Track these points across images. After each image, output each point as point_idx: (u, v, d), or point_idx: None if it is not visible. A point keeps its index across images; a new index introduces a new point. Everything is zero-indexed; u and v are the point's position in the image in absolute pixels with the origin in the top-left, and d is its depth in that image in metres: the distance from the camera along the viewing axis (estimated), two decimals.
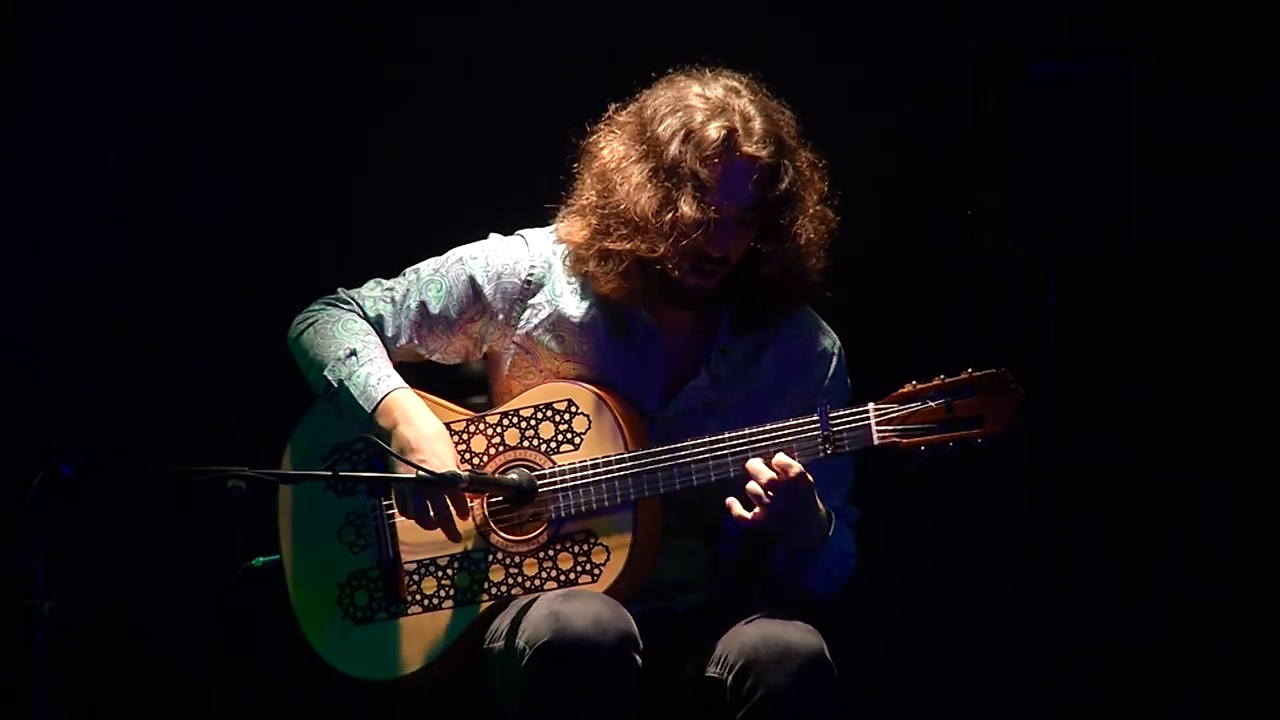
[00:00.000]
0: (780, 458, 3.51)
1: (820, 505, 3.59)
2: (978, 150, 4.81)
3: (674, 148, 3.58)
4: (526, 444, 3.63)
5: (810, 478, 3.52)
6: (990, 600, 5.17)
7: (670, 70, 3.71)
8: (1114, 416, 5.15)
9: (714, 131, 3.57)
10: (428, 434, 3.61)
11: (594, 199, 3.65)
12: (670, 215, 3.57)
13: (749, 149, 3.58)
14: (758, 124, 3.59)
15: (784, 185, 3.60)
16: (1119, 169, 4.73)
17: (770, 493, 3.50)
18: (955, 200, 4.86)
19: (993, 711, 5.19)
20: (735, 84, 3.64)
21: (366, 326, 3.75)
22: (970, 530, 5.16)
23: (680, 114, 3.60)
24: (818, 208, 3.66)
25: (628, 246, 3.61)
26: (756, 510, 3.51)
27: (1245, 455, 5.14)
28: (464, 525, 3.62)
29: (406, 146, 5.14)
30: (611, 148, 3.66)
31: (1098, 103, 4.72)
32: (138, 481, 4.91)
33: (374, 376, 3.67)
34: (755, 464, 3.53)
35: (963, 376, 3.51)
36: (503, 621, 3.58)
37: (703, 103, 3.60)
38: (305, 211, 5.13)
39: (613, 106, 3.73)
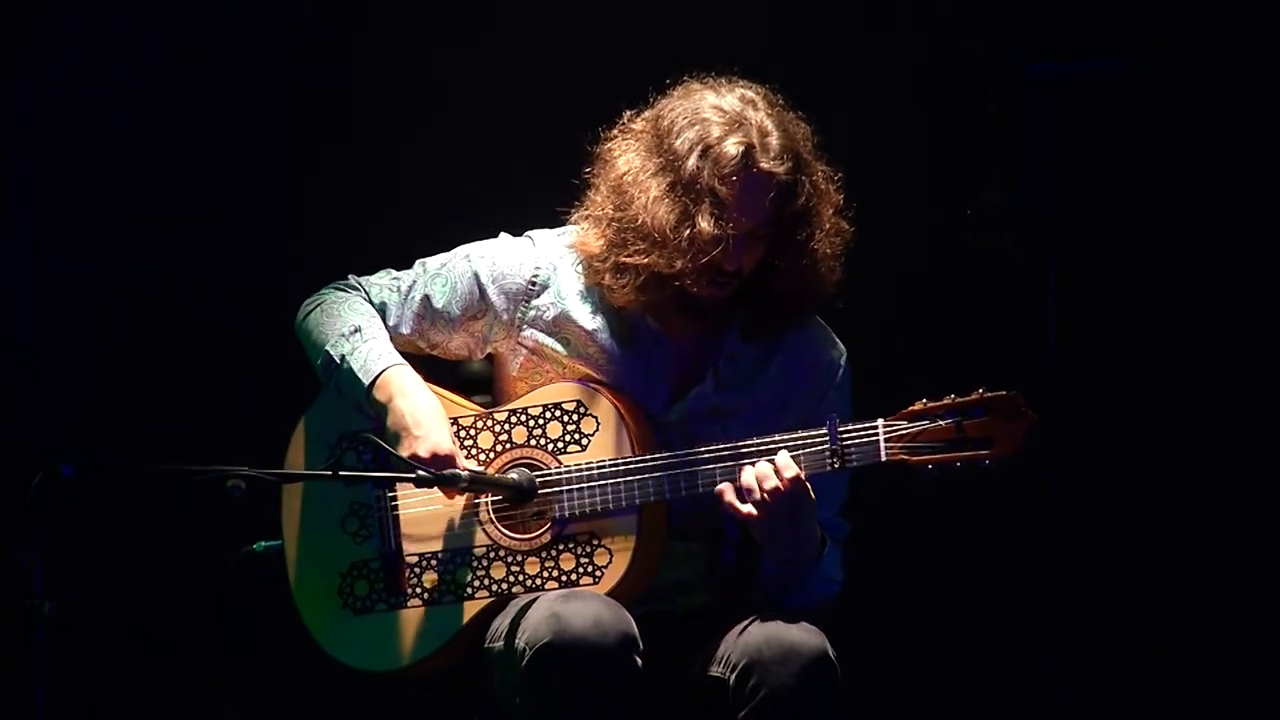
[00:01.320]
0: (784, 459, 3.51)
1: (817, 526, 3.59)
2: (978, 150, 4.81)
3: (692, 162, 3.56)
4: (534, 442, 3.63)
5: (810, 488, 3.51)
6: (990, 601, 5.17)
7: (685, 78, 3.69)
8: (1114, 416, 5.16)
9: (732, 147, 3.55)
10: (422, 408, 3.61)
11: (610, 210, 3.64)
12: (688, 231, 3.55)
13: (766, 165, 3.56)
14: (775, 139, 3.57)
15: (800, 201, 3.59)
16: (1119, 169, 4.73)
17: (769, 496, 3.50)
18: (955, 200, 4.86)
19: (993, 711, 5.20)
20: (752, 95, 3.62)
21: (372, 310, 3.75)
22: (970, 530, 5.16)
23: (697, 127, 3.58)
24: (833, 221, 3.65)
25: (645, 261, 3.60)
26: (750, 509, 3.51)
27: (1245, 455, 5.14)
28: (466, 520, 3.63)
29: (407, 147, 5.14)
30: (627, 158, 3.64)
31: (1098, 103, 4.73)
32: (138, 481, 4.91)
33: (375, 352, 3.67)
34: (761, 465, 3.52)
35: (973, 397, 3.50)
36: (503, 621, 3.58)
37: (719, 115, 3.58)
38: (305, 212, 5.13)
39: (627, 113, 3.72)
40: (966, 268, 5.09)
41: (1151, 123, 4.84)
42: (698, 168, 3.56)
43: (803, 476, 3.49)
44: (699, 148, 3.56)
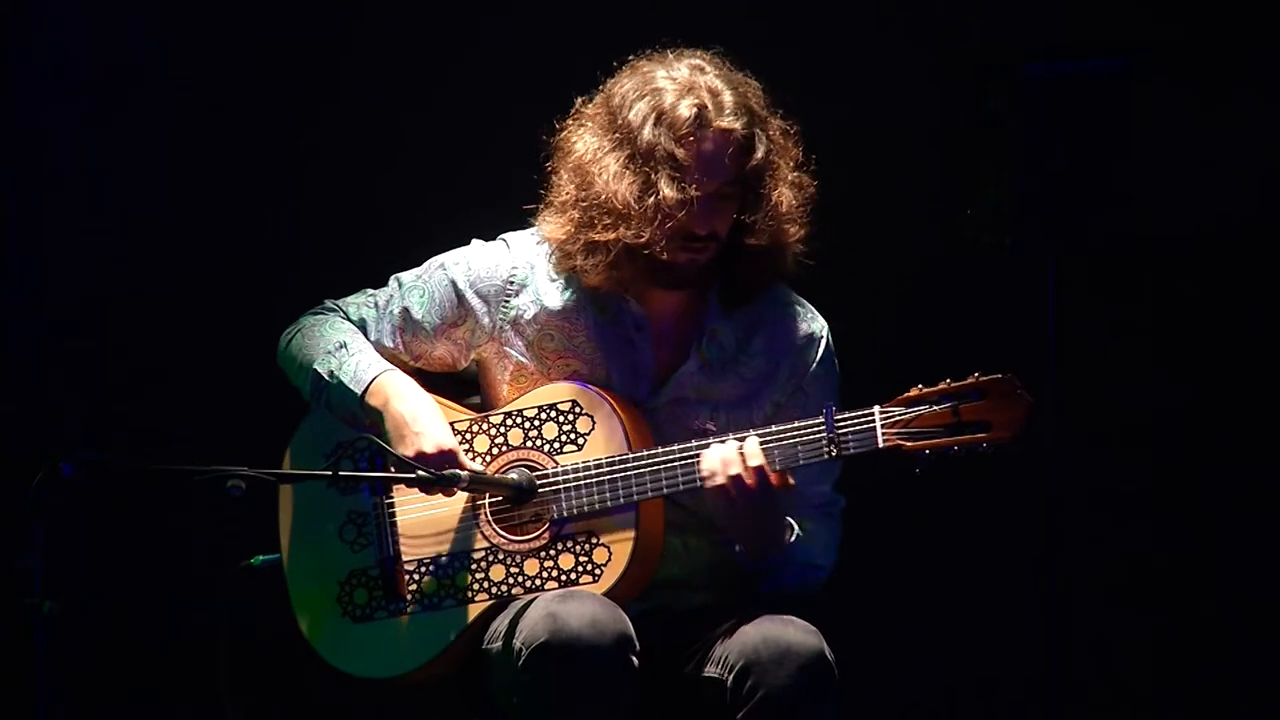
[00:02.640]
0: (751, 447, 3.52)
1: (786, 518, 3.60)
2: (978, 150, 4.81)
3: (647, 132, 3.59)
4: (530, 444, 3.63)
5: (774, 479, 3.52)
6: (990, 600, 5.17)
7: (630, 58, 3.71)
8: (1113, 416, 5.16)
9: (685, 110, 3.58)
10: (418, 409, 3.62)
11: (573, 193, 3.66)
12: (652, 199, 3.58)
13: (721, 123, 3.59)
14: (727, 97, 3.60)
15: (760, 154, 3.61)
16: (1118, 169, 4.73)
17: (735, 483, 3.51)
18: (955, 200, 4.86)
19: (993, 711, 5.20)
20: (699, 61, 3.66)
21: (352, 326, 3.76)
22: (969, 530, 5.16)
23: (649, 98, 3.61)
24: (794, 174, 3.67)
25: (613, 235, 3.61)
26: (715, 495, 3.52)
27: (1246, 453, 5.14)
28: (464, 523, 3.63)
29: (402, 150, 5.14)
30: (584, 140, 3.66)
31: (1098, 103, 4.72)
32: (138, 481, 4.91)
33: (364, 362, 3.68)
34: (728, 448, 3.53)
35: (969, 381, 3.51)
36: (501, 622, 3.58)
37: (670, 84, 3.61)
38: (304, 210, 5.13)
39: (579, 100, 3.73)
40: (966, 267, 5.09)
41: (1151, 122, 4.83)
42: (654, 135, 3.58)
43: (766, 467, 3.50)
44: (653, 116, 3.60)
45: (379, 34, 5.14)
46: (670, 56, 3.69)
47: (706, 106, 3.59)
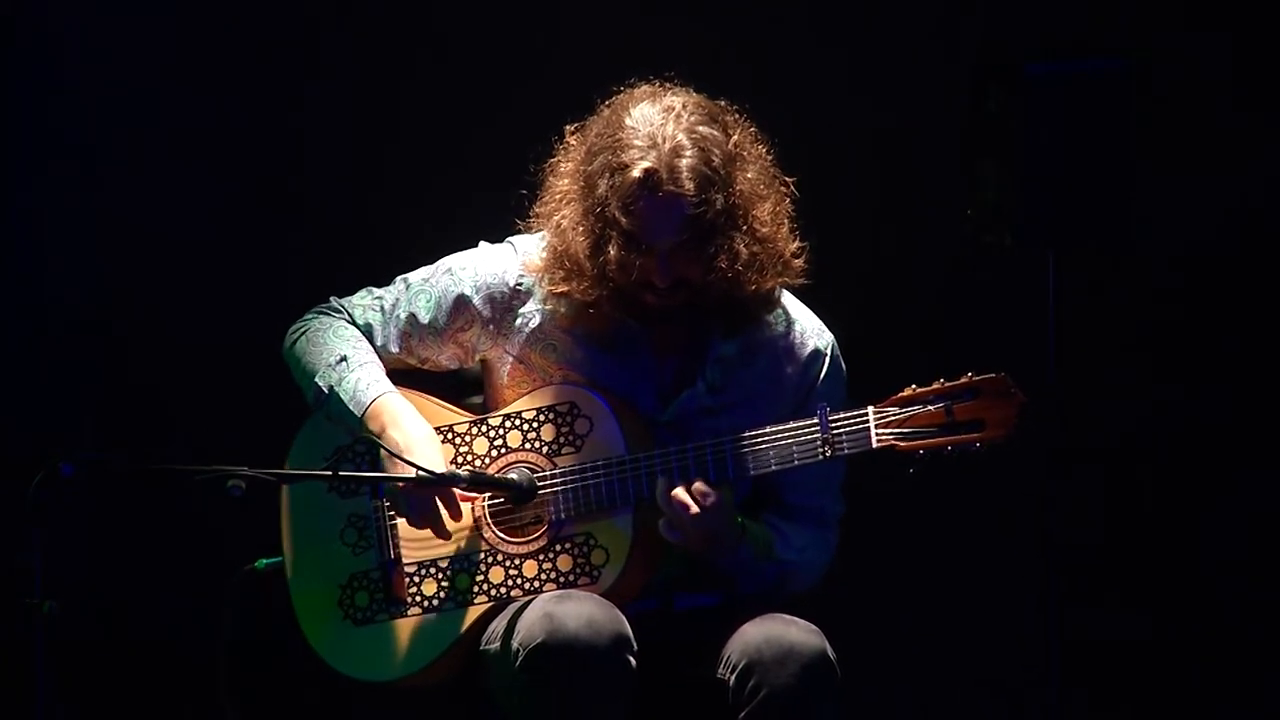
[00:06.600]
0: (699, 485, 3.53)
1: (739, 525, 3.60)
2: (978, 150, 4.81)
3: (602, 187, 3.54)
4: (528, 446, 3.63)
5: (721, 502, 3.53)
6: (990, 600, 5.17)
7: (622, 86, 3.65)
8: (1114, 417, 5.16)
9: (636, 172, 3.51)
10: (416, 437, 3.61)
11: (546, 234, 3.65)
12: (602, 259, 3.55)
13: (671, 188, 3.51)
14: (686, 159, 3.51)
15: (710, 215, 3.52)
16: (1119, 169, 4.73)
17: (690, 519, 3.51)
18: (955, 200, 4.86)
19: (993, 711, 5.20)
20: (678, 104, 3.57)
21: (357, 333, 3.74)
22: (970, 532, 5.16)
23: (608, 152, 3.55)
24: (767, 220, 3.59)
25: (565, 289, 3.61)
26: (676, 532, 3.54)
27: (1247, 454, 5.14)
28: (463, 526, 3.63)
29: (402, 151, 5.14)
30: (560, 179, 3.64)
31: (1098, 103, 4.72)
32: (138, 481, 4.91)
33: (364, 382, 3.67)
34: (679, 492, 3.54)
35: (962, 381, 3.51)
36: (499, 623, 3.58)
37: (633, 136, 3.54)
38: (306, 210, 5.13)
39: (568, 128, 3.68)
40: (966, 268, 5.09)
41: (1152, 123, 4.84)
42: (605, 196, 3.54)
43: (722, 500, 3.52)
44: (607, 174, 3.54)
45: (378, 23, 5.14)
46: (656, 91, 3.61)
47: (657, 171, 3.50)
